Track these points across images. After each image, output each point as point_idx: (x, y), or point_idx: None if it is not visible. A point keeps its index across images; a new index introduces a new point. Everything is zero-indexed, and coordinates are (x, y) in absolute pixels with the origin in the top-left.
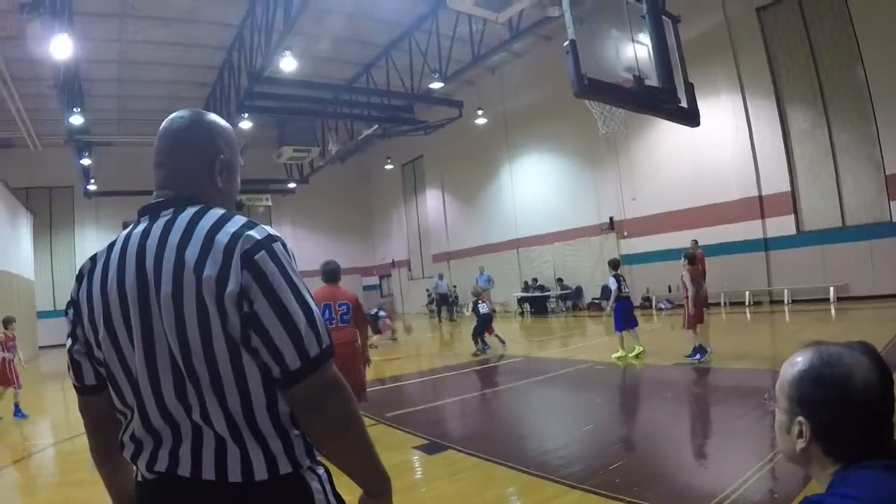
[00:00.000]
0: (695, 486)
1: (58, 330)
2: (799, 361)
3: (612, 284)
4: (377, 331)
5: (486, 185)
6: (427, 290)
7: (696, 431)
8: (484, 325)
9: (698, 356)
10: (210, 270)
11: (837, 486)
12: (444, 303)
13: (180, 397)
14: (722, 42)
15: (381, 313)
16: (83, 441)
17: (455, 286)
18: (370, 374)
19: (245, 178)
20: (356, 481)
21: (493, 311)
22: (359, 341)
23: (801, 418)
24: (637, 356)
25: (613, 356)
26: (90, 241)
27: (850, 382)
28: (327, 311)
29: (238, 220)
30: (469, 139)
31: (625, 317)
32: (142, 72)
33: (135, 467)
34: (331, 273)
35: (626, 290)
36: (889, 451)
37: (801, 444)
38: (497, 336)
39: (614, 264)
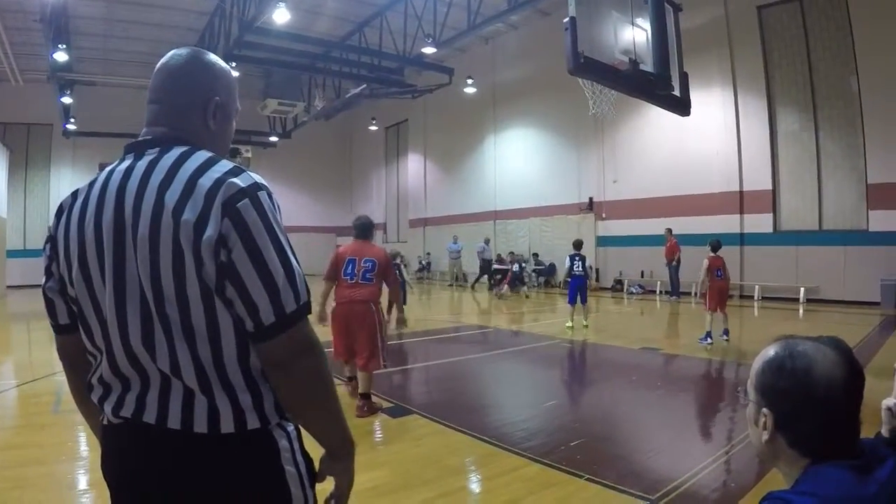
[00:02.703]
0: (653, 469)
1: (27, 270)
2: (765, 353)
3: (567, 263)
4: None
5: (469, 155)
6: (398, 256)
7: (659, 416)
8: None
9: (708, 341)
10: (189, 215)
11: (801, 482)
12: (487, 270)
13: (147, 343)
14: (720, 36)
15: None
16: (47, 383)
17: (429, 253)
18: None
19: None
20: (320, 441)
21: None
22: (377, 301)
23: (765, 409)
24: (584, 327)
25: (566, 325)
26: (65, 181)
27: (810, 374)
28: (350, 266)
29: (224, 165)
30: (456, 107)
31: (574, 292)
32: (130, 12)
33: (101, 411)
34: (361, 228)
35: (579, 269)
36: (857, 449)
37: (765, 435)
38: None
39: (576, 244)
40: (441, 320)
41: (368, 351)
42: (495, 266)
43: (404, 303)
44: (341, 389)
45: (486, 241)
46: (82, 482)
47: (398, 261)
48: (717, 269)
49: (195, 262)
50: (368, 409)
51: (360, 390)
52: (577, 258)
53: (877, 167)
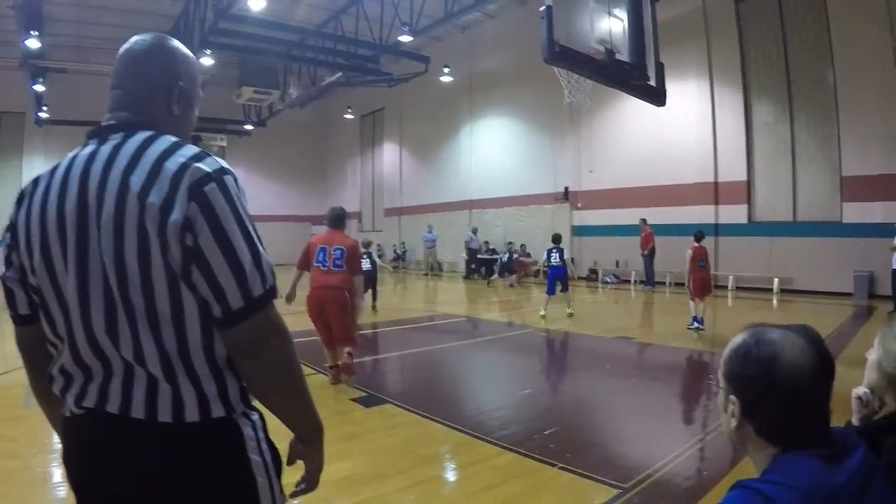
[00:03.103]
0: (626, 457)
1: None
2: (734, 341)
3: (543, 256)
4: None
5: (445, 144)
6: (365, 247)
7: (632, 405)
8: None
9: (695, 325)
10: (154, 198)
11: (771, 471)
12: (474, 259)
13: (110, 330)
14: (697, 28)
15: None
16: (19, 375)
17: (404, 242)
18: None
19: (201, 116)
20: (289, 426)
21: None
22: (350, 287)
23: (732, 396)
24: (568, 315)
25: (540, 314)
26: (37, 170)
27: (775, 362)
28: (322, 254)
29: (189, 150)
30: (432, 96)
31: (553, 282)
32: None
33: (63, 402)
34: (333, 218)
35: (556, 260)
36: (826, 438)
37: (732, 422)
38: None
39: (554, 239)
40: (415, 309)
41: (345, 333)
42: (479, 255)
43: (375, 291)
44: (320, 378)
45: (475, 231)
46: (56, 475)
47: (370, 249)
48: (700, 259)
49: (161, 246)
50: (350, 363)
51: (346, 350)
52: (553, 251)
53: (851, 159)
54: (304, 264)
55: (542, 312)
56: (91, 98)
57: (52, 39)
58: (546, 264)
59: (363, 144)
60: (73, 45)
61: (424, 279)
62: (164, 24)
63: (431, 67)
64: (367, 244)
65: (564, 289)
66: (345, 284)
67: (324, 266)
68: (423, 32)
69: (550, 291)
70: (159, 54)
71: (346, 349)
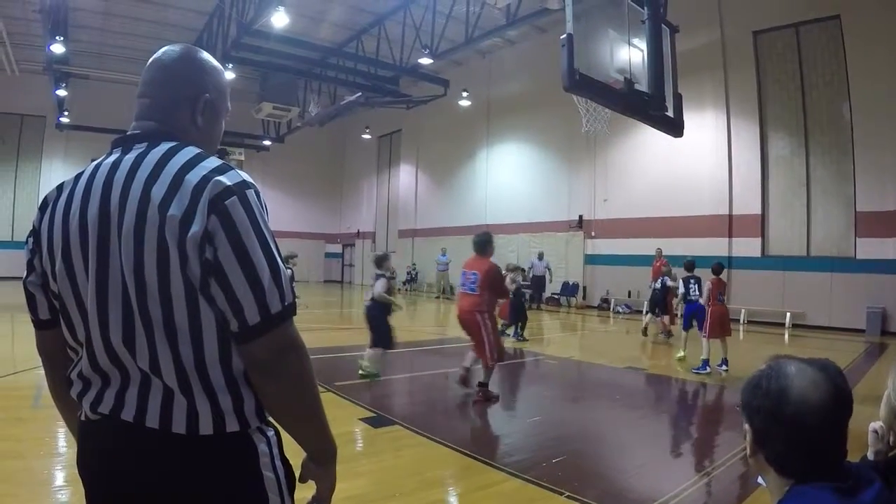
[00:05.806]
0: (634, 488)
1: (14, 262)
2: (754, 371)
3: (680, 287)
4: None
5: (461, 168)
6: (515, 269)
7: (642, 436)
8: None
9: (706, 369)
10: (175, 210)
11: (784, 502)
12: (540, 287)
13: (127, 340)
14: (715, 60)
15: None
16: (27, 377)
17: (415, 264)
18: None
19: None
20: (302, 446)
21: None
22: (482, 310)
23: (746, 425)
24: (679, 359)
25: (677, 356)
26: (56, 174)
27: (784, 395)
28: (462, 278)
29: (212, 162)
30: (450, 119)
31: (689, 318)
32: (129, 7)
33: (79, 406)
34: (476, 244)
35: (695, 294)
36: (841, 472)
37: (748, 450)
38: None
39: (688, 266)
40: (427, 332)
41: (481, 350)
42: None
43: (521, 322)
44: (330, 396)
45: (540, 257)
46: (59, 478)
47: (511, 274)
48: (719, 293)
49: (180, 258)
50: (483, 395)
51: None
52: (692, 281)
53: (866, 195)
54: None
55: (681, 354)
56: (112, 105)
57: (76, 46)
58: (683, 299)
59: (380, 165)
60: (96, 53)
61: (436, 302)
62: (187, 36)
63: (450, 91)
64: (511, 268)
65: (700, 327)
66: (474, 308)
67: (462, 289)
68: (444, 56)
69: (687, 326)
70: (187, 65)
71: (478, 383)
